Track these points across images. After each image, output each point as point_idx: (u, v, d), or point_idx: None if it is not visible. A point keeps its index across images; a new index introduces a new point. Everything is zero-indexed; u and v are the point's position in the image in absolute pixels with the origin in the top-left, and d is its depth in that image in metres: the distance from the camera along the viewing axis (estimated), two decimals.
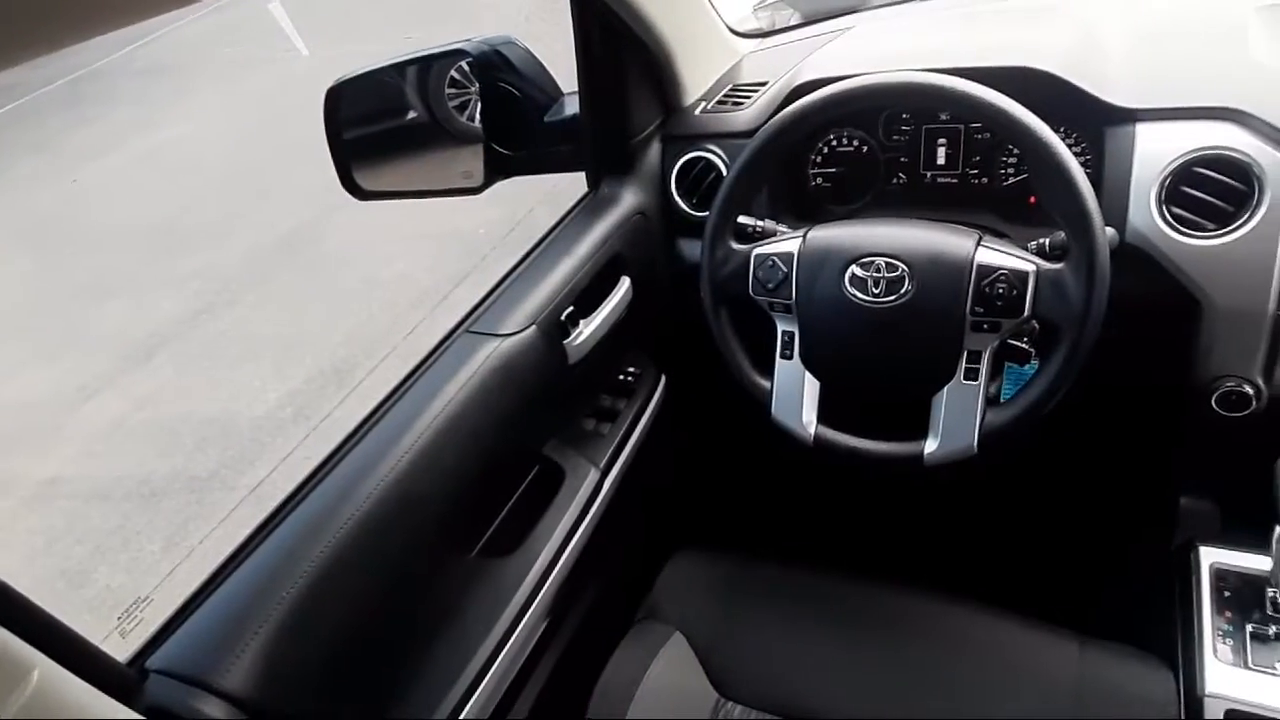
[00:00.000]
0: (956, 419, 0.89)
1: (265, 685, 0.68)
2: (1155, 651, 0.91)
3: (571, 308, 1.06)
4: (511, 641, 0.94)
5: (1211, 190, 0.88)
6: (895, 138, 1.13)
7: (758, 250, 0.96)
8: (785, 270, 0.94)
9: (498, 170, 1.24)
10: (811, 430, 0.96)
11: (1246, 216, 0.87)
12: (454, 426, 0.89)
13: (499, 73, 1.19)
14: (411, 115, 1.29)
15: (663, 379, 1.28)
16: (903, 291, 0.88)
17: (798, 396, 0.97)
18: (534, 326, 0.99)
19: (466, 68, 1.22)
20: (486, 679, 0.91)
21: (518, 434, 1.02)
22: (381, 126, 1.28)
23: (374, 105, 1.26)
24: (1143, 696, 0.86)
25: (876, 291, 0.89)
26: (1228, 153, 0.87)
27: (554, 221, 1.20)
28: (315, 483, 0.81)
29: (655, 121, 1.22)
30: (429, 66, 1.24)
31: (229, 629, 0.69)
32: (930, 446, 0.90)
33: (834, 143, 1.17)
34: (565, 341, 1.05)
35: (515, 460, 1.08)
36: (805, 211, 1.17)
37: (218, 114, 6.45)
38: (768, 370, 0.99)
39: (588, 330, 1.08)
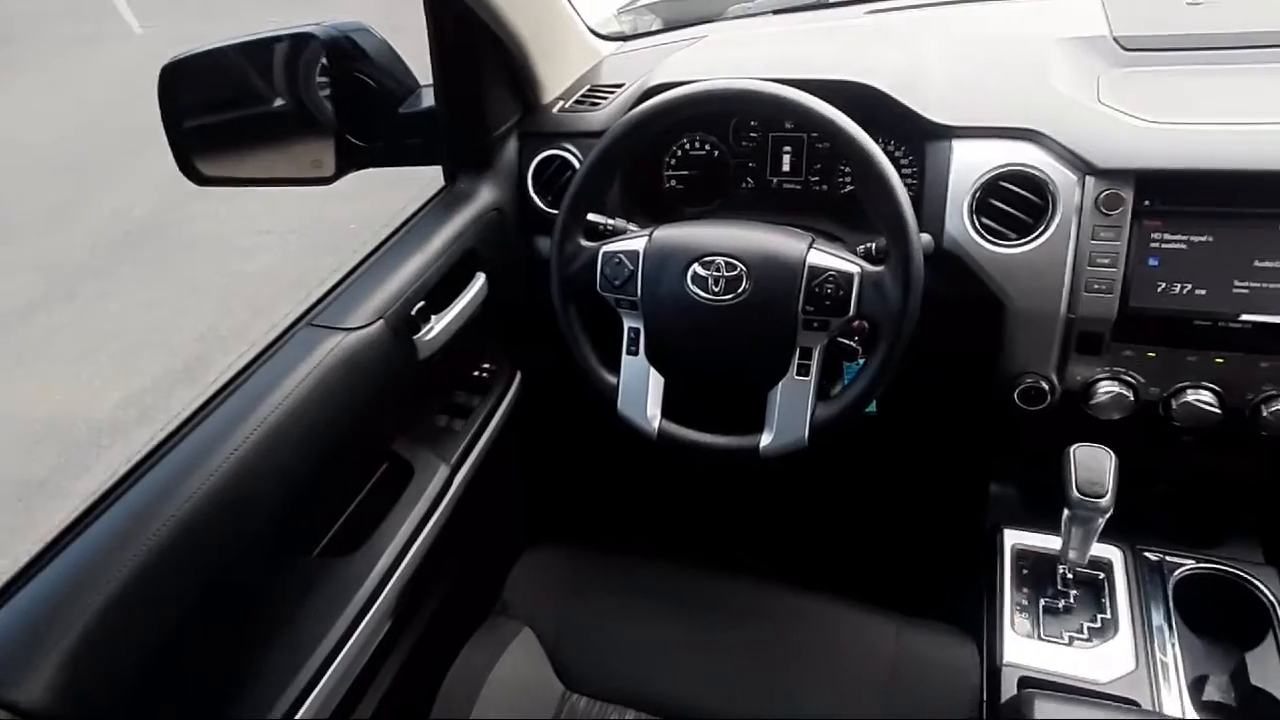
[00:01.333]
0: (789, 413, 0.93)
1: (65, 697, 0.64)
2: (965, 627, 0.99)
3: (423, 303, 1.05)
4: (352, 642, 0.92)
5: (1014, 203, 0.96)
6: (744, 144, 1.18)
7: (605, 248, 0.98)
8: (631, 268, 0.96)
9: (351, 161, 1.21)
10: (655, 424, 0.99)
11: (1042, 228, 0.95)
12: (291, 423, 0.86)
13: (351, 60, 1.16)
14: (263, 98, 1.24)
15: (518, 375, 1.28)
16: (740, 290, 0.91)
17: (643, 392, 0.99)
18: (381, 321, 0.98)
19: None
20: (324, 681, 0.88)
21: (364, 430, 1.00)
22: (225, 108, 1.22)
23: (217, 86, 1.20)
24: (949, 668, 0.93)
25: (716, 289, 0.92)
26: (1027, 169, 0.96)
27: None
28: (132, 482, 0.77)
29: (513, 118, 1.22)
30: (299, 48, 1.19)
31: (25, 639, 0.65)
32: (766, 440, 0.94)
33: (687, 146, 1.20)
34: (415, 337, 1.04)
35: (361, 457, 1.06)
36: (659, 213, 1.20)
37: (52, 92, 5.96)
38: (616, 366, 1.01)
39: (439, 326, 1.07)
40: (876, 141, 1.05)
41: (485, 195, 1.19)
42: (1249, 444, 0.94)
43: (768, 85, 0.90)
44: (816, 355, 0.93)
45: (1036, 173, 0.95)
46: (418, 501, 1.05)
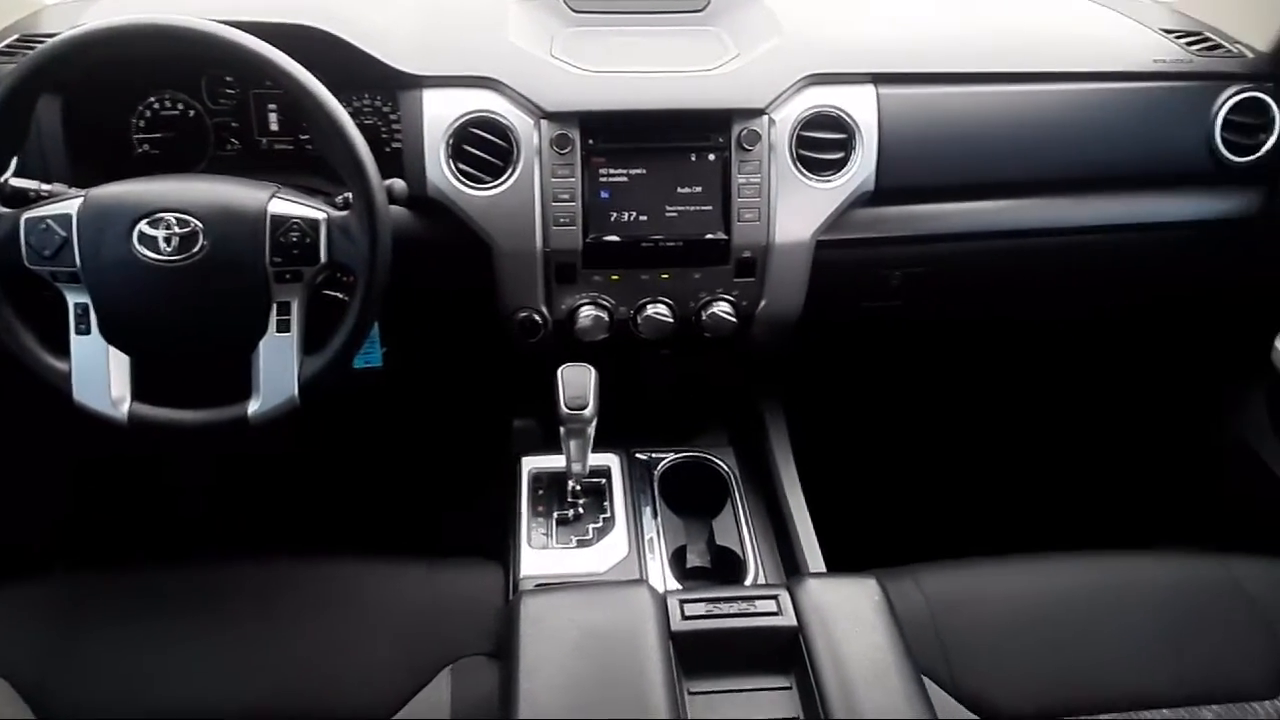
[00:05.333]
0: (275, 373, 0.89)
1: None
2: (495, 555, 1.04)
3: None
4: None
5: (484, 147, 1.02)
6: (222, 102, 1.09)
7: (28, 214, 0.84)
8: (64, 234, 0.84)
9: None
10: (124, 409, 0.88)
11: (510, 170, 1.02)
12: None
13: None
14: None
15: None
16: (198, 248, 0.84)
17: (103, 375, 0.87)
18: None
19: None
20: None
21: None
22: None
23: None
24: (478, 597, 0.95)
25: (169, 250, 0.84)
26: (491, 115, 1.01)
27: None
28: None
29: None
30: None
31: None
32: (254, 406, 0.89)
33: (156, 106, 1.09)
34: None
35: None
36: None
37: None
38: (69, 350, 0.88)
39: None
40: (353, 93, 1.05)
41: None
42: (701, 346, 1.10)
43: (193, 21, 0.84)
44: (296, 309, 0.89)
45: (500, 118, 1.01)
46: None
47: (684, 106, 1.02)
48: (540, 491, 1.09)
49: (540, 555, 1.02)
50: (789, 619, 0.79)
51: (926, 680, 0.81)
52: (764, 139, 1.02)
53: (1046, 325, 1.42)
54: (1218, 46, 1.15)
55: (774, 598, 0.80)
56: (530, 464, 1.12)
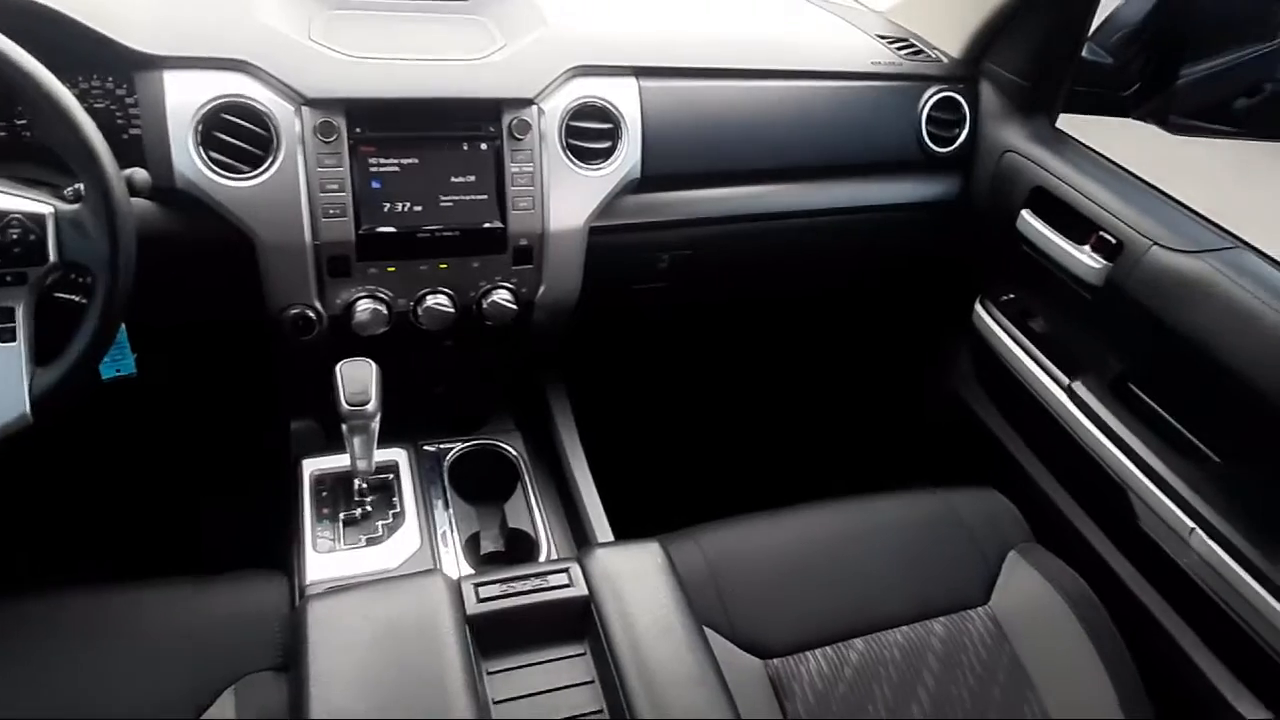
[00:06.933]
0: (1, 388, 0.79)
1: None
2: (280, 564, 0.99)
3: None
4: None
5: (239, 135, 0.95)
6: None
7: None
8: None
9: None
10: None
11: (271, 159, 0.97)
12: None
13: None
14: None
15: None
16: None
17: None
18: None
19: None
20: None
21: None
22: None
23: None
24: (261, 609, 0.90)
25: None
26: (245, 101, 0.95)
27: None
28: None
29: None
30: None
31: None
32: None
33: None
34: None
35: None
36: None
37: None
38: None
39: None
40: (79, 74, 0.94)
41: None
42: (483, 335, 1.11)
43: None
44: (22, 315, 0.80)
45: (254, 104, 0.96)
46: None
47: (454, 95, 1.02)
48: (324, 493, 1.06)
49: (326, 559, 0.98)
50: (580, 589, 0.83)
51: (709, 630, 0.89)
52: (534, 128, 1.04)
53: (793, 299, 1.58)
54: (921, 52, 1.33)
55: (565, 570, 0.84)
56: (311, 466, 1.08)
